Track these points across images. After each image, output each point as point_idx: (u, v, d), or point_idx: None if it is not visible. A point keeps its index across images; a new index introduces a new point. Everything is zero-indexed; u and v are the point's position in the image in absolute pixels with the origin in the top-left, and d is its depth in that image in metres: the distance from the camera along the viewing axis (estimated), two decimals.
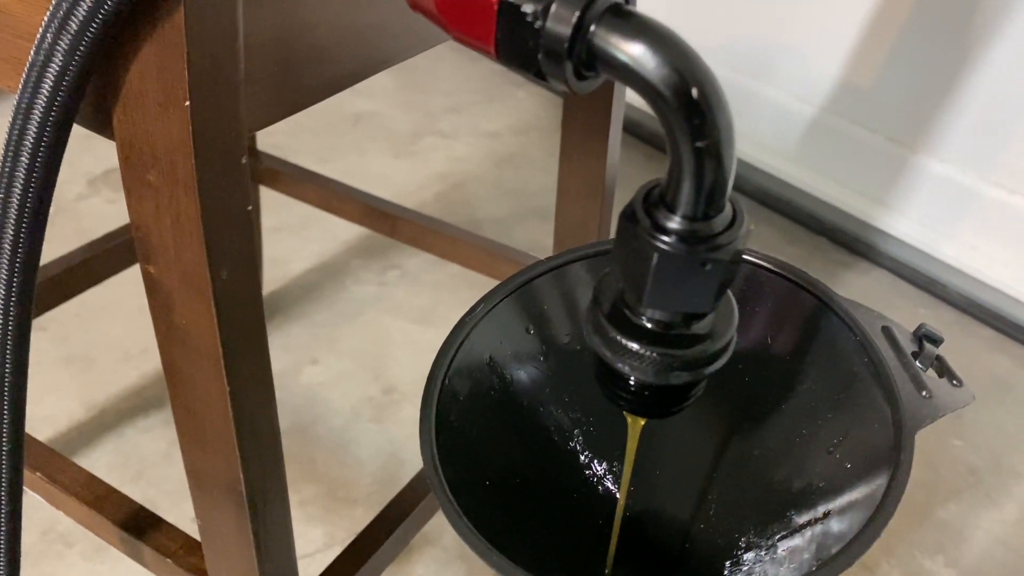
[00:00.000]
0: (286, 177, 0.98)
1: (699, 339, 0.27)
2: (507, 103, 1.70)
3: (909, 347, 0.32)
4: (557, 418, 0.35)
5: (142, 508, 0.63)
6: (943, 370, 0.32)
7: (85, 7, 0.34)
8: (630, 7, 0.25)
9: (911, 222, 1.37)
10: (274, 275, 1.25)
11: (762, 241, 1.43)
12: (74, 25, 0.34)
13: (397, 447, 1.04)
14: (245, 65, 0.39)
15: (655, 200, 0.26)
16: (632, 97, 1.53)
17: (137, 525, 0.62)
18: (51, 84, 0.36)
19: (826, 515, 0.28)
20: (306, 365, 1.13)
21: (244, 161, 0.41)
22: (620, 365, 0.27)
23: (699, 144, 0.24)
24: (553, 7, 0.24)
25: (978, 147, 1.28)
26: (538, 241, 1.34)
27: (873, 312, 0.32)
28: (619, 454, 0.35)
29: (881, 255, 1.39)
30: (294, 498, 0.98)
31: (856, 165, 1.41)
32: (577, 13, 0.24)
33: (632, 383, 0.28)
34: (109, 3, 0.33)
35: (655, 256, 0.25)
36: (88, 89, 0.37)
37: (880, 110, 1.37)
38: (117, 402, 1.06)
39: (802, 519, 0.29)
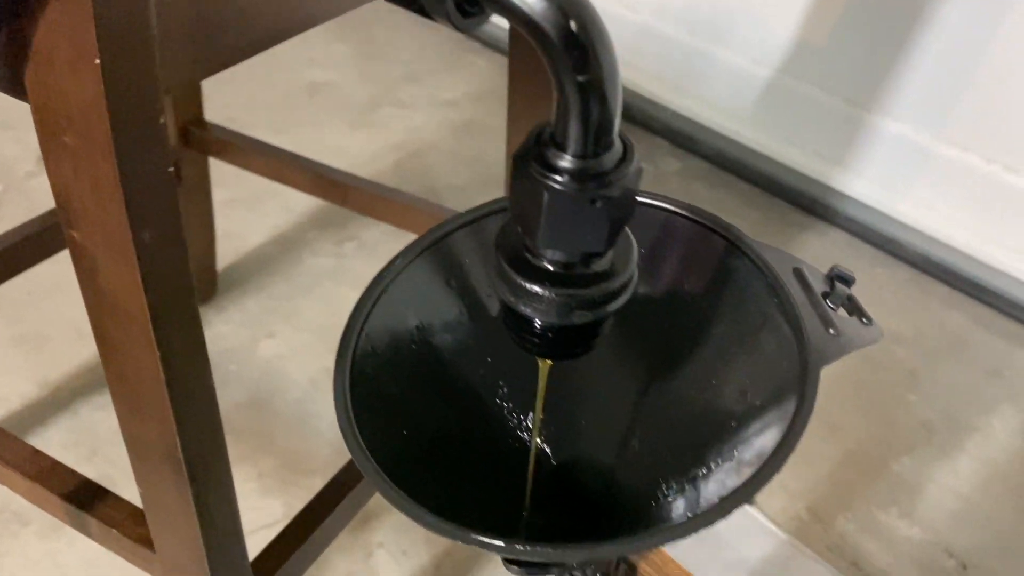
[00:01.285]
0: (234, 148, 0.97)
1: (599, 278, 0.27)
2: (465, 72, 1.69)
3: (820, 288, 0.32)
4: (481, 370, 0.35)
5: (88, 481, 0.62)
6: (853, 309, 0.32)
7: None
8: None
9: (867, 182, 1.38)
10: (229, 249, 1.23)
11: (720, 205, 1.44)
12: None
13: None
14: (160, 21, 0.38)
15: (546, 140, 0.26)
16: None
17: (83, 497, 0.61)
18: None
19: (738, 452, 0.28)
20: (263, 339, 1.12)
21: (162, 121, 0.40)
22: (523, 308, 0.27)
23: (580, 79, 0.24)
24: None
25: (931, 106, 1.29)
26: None
27: (784, 254, 0.32)
28: (545, 406, 0.35)
29: (838, 216, 1.40)
30: (252, 471, 0.98)
31: (812, 127, 1.42)
32: None
33: (537, 326, 0.28)
34: None
35: (545, 195, 0.25)
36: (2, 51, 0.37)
37: (836, 71, 1.37)
38: (70, 380, 1.05)
39: (718, 457, 0.29)
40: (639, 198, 0.35)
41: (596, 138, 0.25)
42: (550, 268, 0.27)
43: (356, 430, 0.29)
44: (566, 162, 0.25)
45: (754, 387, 0.30)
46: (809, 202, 1.42)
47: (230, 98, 1.52)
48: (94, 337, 0.47)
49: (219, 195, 1.22)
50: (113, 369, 0.47)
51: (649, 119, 1.57)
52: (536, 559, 0.25)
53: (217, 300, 1.17)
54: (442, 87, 1.64)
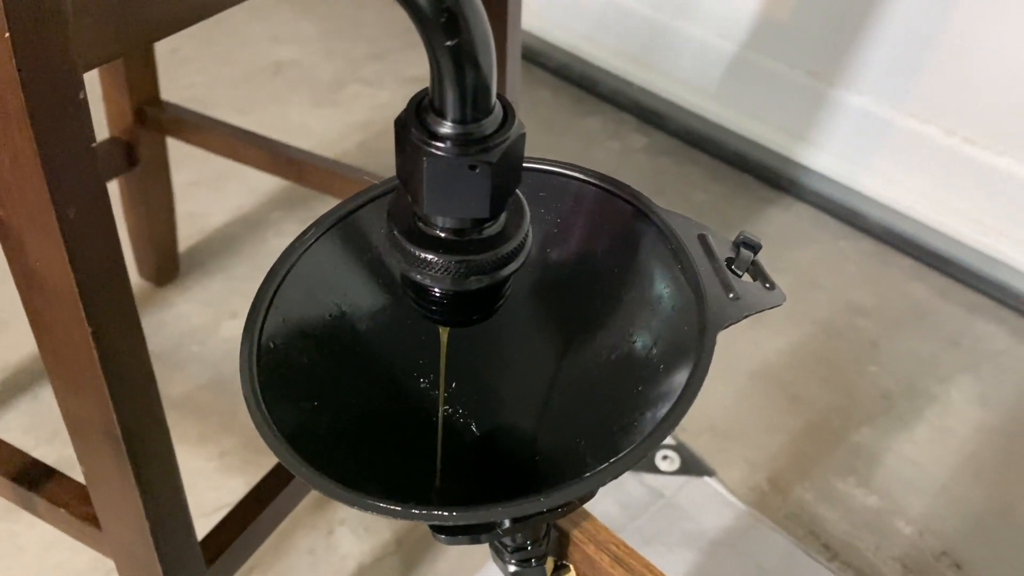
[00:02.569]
0: (192, 127, 0.97)
1: (491, 243, 0.27)
2: None
3: (724, 254, 0.32)
4: (399, 343, 0.35)
5: (36, 461, 0.62)
6: (757, 274, 0.32)
7: None
8: None
9: (831, 156, 1.39)
10: (191, 230, 1.23)
11: (687, 180, 1.44)
12: None
13: None
14: None
15: (425, 106, 0.26)
16: (558, 37, 1.52)
17: (29, 477, 0.61)
18: None
19: (646, 412, 0.29)
20: (225, 319, 1.12)
21: (82, 96, 0.40)
22: (418, 276, 0.28)
23: (450, 44, 0.24)
24: None
25: (892, 79, 1.29)
26: None
27: (691, 221, 0.33)
28: (462, 378, 0.35)
29: (803, 190, 1.40)
30: (214, 450, 0.98)
31: (777, 101, 1.42)
32: None
33: (436, 293, 0.28)
34: None
35: (425, 161, 0.25)
36: None
37: (798, 45, 1.38)
38: (30, 363, 1.05)
39: (630, 419, 0.30)
40: (552, 168, 0.35)
41: (473, 103, 0.25)
42: (442, 235, 0.27)
43: (259, 397, 0.30)
44: (445, 128, 0.25)
45: (659, 349, 0.31)
46: (774, 176, 1.43)
47: (193, 77, 1.51)
48: (26, 316, 0.47)
49: (182, 176, 1.22)
50: (46, 346, 0.47)
51: (615, 94, 1.57)
52: (433, 523, 0.26)
53: (180, 281, 1.17)
54: (408, 64, 1.63)
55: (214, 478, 0.95)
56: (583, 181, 0.34)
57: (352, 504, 0.27)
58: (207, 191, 1.29)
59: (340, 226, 0.35)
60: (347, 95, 1.55)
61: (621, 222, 0.33)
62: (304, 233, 0.34)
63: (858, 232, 1.36)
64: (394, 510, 0.27)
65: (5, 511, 0.90)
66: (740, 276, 0.32)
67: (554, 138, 1.51)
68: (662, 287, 0.31)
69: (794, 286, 1.26)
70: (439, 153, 0.25)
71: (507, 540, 0.41)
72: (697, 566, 0.91)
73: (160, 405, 0.51)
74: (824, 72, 1.36)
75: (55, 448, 0.96)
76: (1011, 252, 1.24)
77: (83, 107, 0.40)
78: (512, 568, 0.43)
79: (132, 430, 0.49)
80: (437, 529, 0.36)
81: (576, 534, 0.45)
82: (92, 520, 0.58)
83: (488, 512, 0.26)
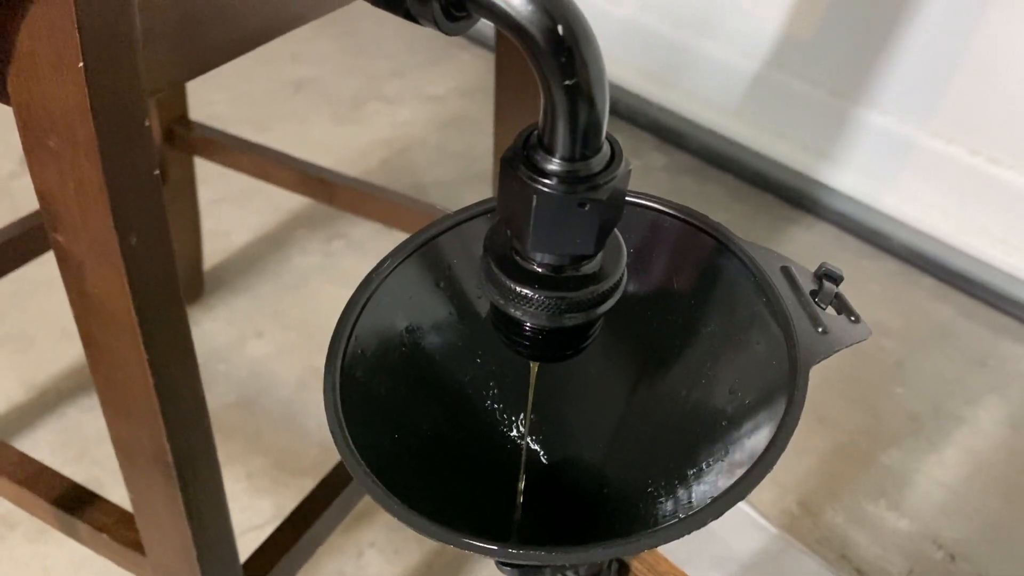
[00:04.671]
0: (219, 147, 0.97)
1: (588, 280, 0.27)
2: (451, 66, 1.69)
3: (808, 286, 0.32)
4: (471, 371, 0.35)
5: (76, 485, 0.62)
6: (842, 307, 0.32)
7: None
8: None
9: (853, 175, 1.38)
10: (216, 248, 1.23)
11: (710, 199, 1.44)
12: None
13: None
14: (143, 23, 0.38)
15: (534, 143, 0.26)
16: None
17: (71, 502, 0.61)
18: None
19: (728, 452, 0.28)
20: (251, 338, 1.12)
21: (147, 124, 0.40)
22: (513, 310, 0.27)
23: (568, 83, 0.24)
24: None
25: (915, 98, 1.29)
26: None
27: (772, 252, 0.32)
28: (536, 408, 0.35)
29: (825, 209, 1.40)
30: (241, 470, 0.97)
31: (799, 119, 1.42)
32: None
33: (528, 328, 0.28)
34: None
35: (534, 198, 0.25)
36: None
37: (821, 63, 1.38)
38: (57, 381, 1.04)
39: (709, 457, 0.29)
40: (629, 198, 0.35)
41: (584, 141, 0.25)
42: (540, 271, 0.27)
43: (347, 434, 0.29)
44: (554, 165, 0.25)
45: (744, 386, 0.30)
46: (796, 196, 1.43)
47: (215, 95, 1.52)
48: (81, 340, 0.47)
49: (205, 194, 1.22)
50: (101, 373, 0.47)
51: (635, 114, 1.57)
52: (528, 563, 0.25)
53: (204, 299, 1.16)
54: (428, 82, 1.64)
55: (242, 499, 0.94)
56: (662, 212, 0.34)
57: (451, 543, 0.27)
58: (231, 208, 1.29)
59: (414, 256, 0.34)
60: (367, 112, 1.55)
61: (700, 253, 0.33)
62: (380, 264, 0.34)
63: (881, 252, 1.35)
64: (491, 549, 0.26)
65: (35, 533, 0.89)
66: (824, 309, 0.31)
67: None
68: (746, 321, 0.31)
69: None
70: (547, 190, 0.25)
71: (570, 573, 0.41)
72: None
73: (211, 433, 0.51)
74: (847, 91, 1.36)
75: (83, 467, 0.95)
76: None
77: (148, 134, 0.40)
78: None
79: (183, 456, 0.49)
80: (506, 563, 0.35)
81: (636, 564, 0.45)
82: (135, 545, 0.58)
83: (593, 553, 0.26)
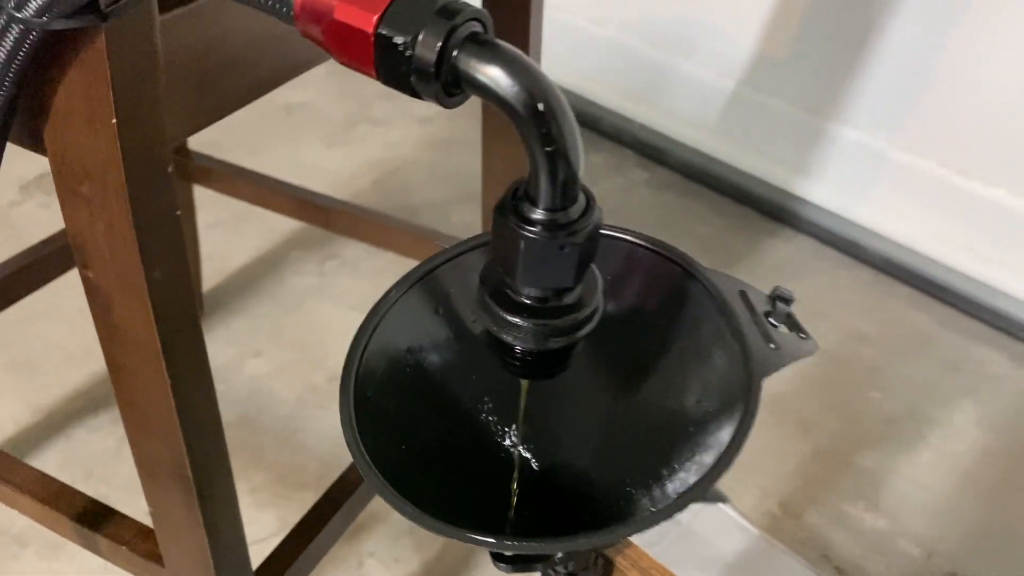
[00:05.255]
0: (218, 175, 1.01)
1: (569, 309, 0.32)
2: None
3: (763, 307, 0.36)
4: (469, 388, 0.39)
5: (95, 501, 0.66)
6: (792, 325, 0.36)
7: (7, 47, 0.36)
8: (487, 36, 0.29)
9: (829, 189, 1.43)
10: (213, 271, 1.27)
11: (689, 213, 1.48)
12: (2, 54, 0.37)
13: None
14: (166, 79, 0.42)
15: (521, 195, 0.30)
16: (559, 76, 1.56)
17: (91, 518, 0.64)
18: None
19: (694, 455, 0.33)
20: (249, 358, 1.16)
21: (170, 169, 0.44)
22: (505, 336, 0.32)
23: (548, 149, 0.28)
24: (420, 36, 0.28)
25: (886, 113, 1.34)
26: (474, 224, 1.37)
27: (731, 278, 0.37)
28: (527, 419, 0.39)
29: (803, 222, 1.45)
30: (244, 486, 1.01)
31: (775, 135, 1.47)
32: (440, 42, 0.28)
33: (518, 351, 0.32)
34: (30, 40, 0.36)
35: (522, 243, 0.30)
36: (19, 109, 0.40)
37: (795, 81, 1.43)
38: (63, 404, 1.08)
39: (679, 458, 0.34)
40: (608, 232, 0.39)
41: (563, 194, 0.29)
42: (527, 302, 0.31)
43: (361, 446, 0.33)
44: (538, 215, 0.30)
45: (708, 396, 0.35)
46: (775, 209, 1.47)
47: None
48: (107, 366, 0.51)
49: (203, 219, 1.25)
50: (124, 395, 0.51)
51: (617, 131, 1.62)
52: (519, 552, 0.29)
53: (203, 321, 1.20)
54: (417, 104, 1.67)
55: (246, 513, 0.97)
56: (636, 244, 0.38)
57: (456, 538, 0.31)
58: (227, 232, 1.33)
59: (416, 286, 0.39)
60: (358, 135, 1.60)
61: (670, 281, 0.37)
62: (386, 294, 0.38)
63: (858, 262, 1.40)
64: (488, 541, 0.30)
65: (47, 551, 0.93)
66: (777, 327, 0.36)
67: None
68: (709, 340, 0.35)
69: (797, 316, 1.30)
70: (533, 236, 0.29)
71: (559, 568, 0.45)
72: None
73: (226, 448, 0.55)
74: (820, 107, 1.41)
75: (91, 485, 0.99)
76: (1007, 280, 1.29)
77: (170, 179, 0.44)
78: None
79: (201, 471, 0.52)
80: (498, 557, 0.40)
81: (620, 560, 0.49)
82: (154, 557, 0.61)
83: (572, 543, 0.30)
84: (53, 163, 0.43)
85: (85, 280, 0.47)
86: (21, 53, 0.37)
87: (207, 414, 0.52)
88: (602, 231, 0.38)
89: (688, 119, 1.56)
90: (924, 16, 1.26)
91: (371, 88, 1.71)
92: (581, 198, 0.30)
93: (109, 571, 0.92)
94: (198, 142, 1.11)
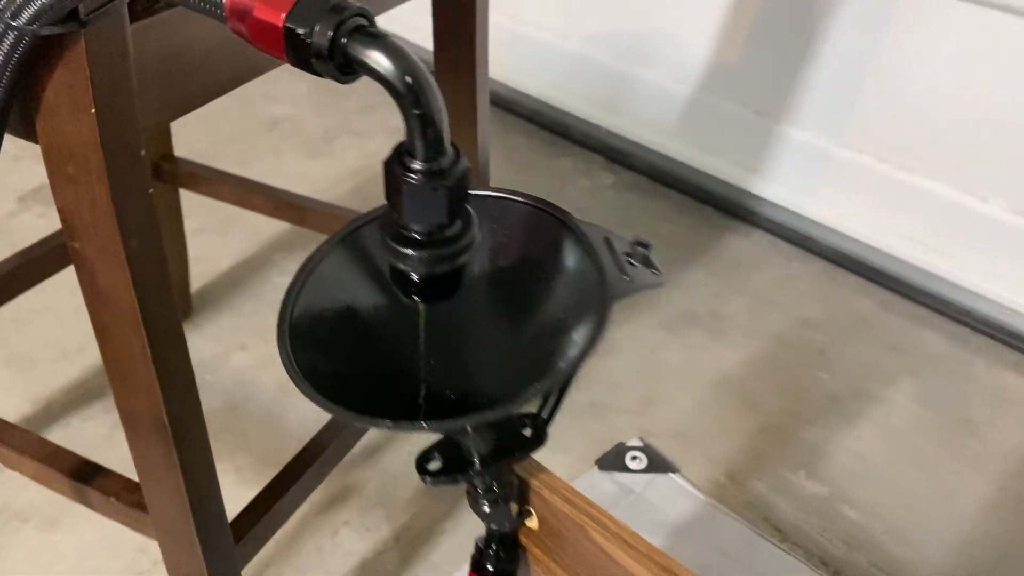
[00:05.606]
0: (202, 179, 1.09)
1: (450, 241, 0.40)
2: None
3: (623, 249, 0.45)
4: (385, 320, 0.47)
5: (87, 461, 0.74)
6: (647, 263, 0.45)
7: (4, 50, 0.45)
8: (372, 28, 0.37)
9: (781, 186, 1.52)
10: (201, 272, 1.35)
11: (653, 213, 1.57)
12: (0, 56, 0.45)
13: (322, 415, 1.15)
14: (137, 77, 0.50)
15: (404, 151, 0.39)
16: (530, 87, 1.66)
17: (83, 475, 0.72)
18: None
19: (565, 354, 0.41)
20: (235, 351, 1.24)
21: (143, 153, 0.52)
22: (401, 265, 0.40)
23: (417, 112, 0.37)
24: (316, 28, 0.37)
25: (829, 114, 1.43)
26: None
27: (599, 228, 0.45)
28: (435, 338, 0.47)
29: (758, 217, 1.54)
30: (230, 466, 1.09)
31: (730, 137, 1.56)
32: (331, 32, 0.36)
33: (414, 277, 0.41)
34: (23, 44, 0.44)
35: (405, 187, 0.38)
36: (15, 104, 0.48)
37: (746, 86, 1.52)
38: (60, 395, 1.16)
39: (552, 360, 0.42)
40: (502, 195, 0.48)
41: (433, 148, 0.38)
42: (416, 237, 0.40)
43: (295, 365, 0.41)
44: (416, 165, 0.38)
45: (574, 314, 0.43)
46: (732, 206, 1.56)
47: (195, 134, 1.64)
48: (93, 329, 0.59)
49: (190, 225, 1.34)
50: (109, 354, 0.59)
51: (584, 137, 1.71)
52: (398, 430, 0.38)
53: (192, 319, 1.28)
54: (394, 116, 1.75)
55: (230, 489, 1.05)
56: (522, 203, 0.47)
57: (364, 423, 0.39)
58: (213, 237, 1.42)
59: (344, 242, 0.47)
60: (339, 145, 1.68)
61: (550, 230, 0.46)
62: (316, 250, 0.47)
63: (810, 254, 1.49)
64: (385, 423, 0.39)
65: (45, 525, 1.01)
66: (635, 266, 0.44)
67: (529, 178, 1.64)
68: (577, 273, 0.44)
69: (752, 304, 1.38)
70: (413, 181, 0.38)
71: (478, 482, 0.53)
72: (665, 551, 1.02)
73: (198, 400, 0.63)
74: (770, 110, 1.50)
75: None
76: (945, 267, 1.37)
77: (143, 161, 0.52)
78: (486, 508, 0.55)
79: (177, 420, 0.61)
80: (421, 471, 0.48)
81: (534, 482, 0.57)
82: (139, 506, 0.69)
83: (453, 423, 0.38)
84: (44, 148, 0.51)
85: (72, 251, 0.55)
86: (16, 55, 0.45)
87: (181, 368, 0.60)
88: (497, 194, 0.47)
89: (651, 124, 1.65)
90: (860, 24, 1.36)
91: (349, 103, 1.81)
92: (451, 151, 0.39)
93: (104, 541, 1.00)
94: (187, 153, 1.19)
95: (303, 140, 1.69)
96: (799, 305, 1.38)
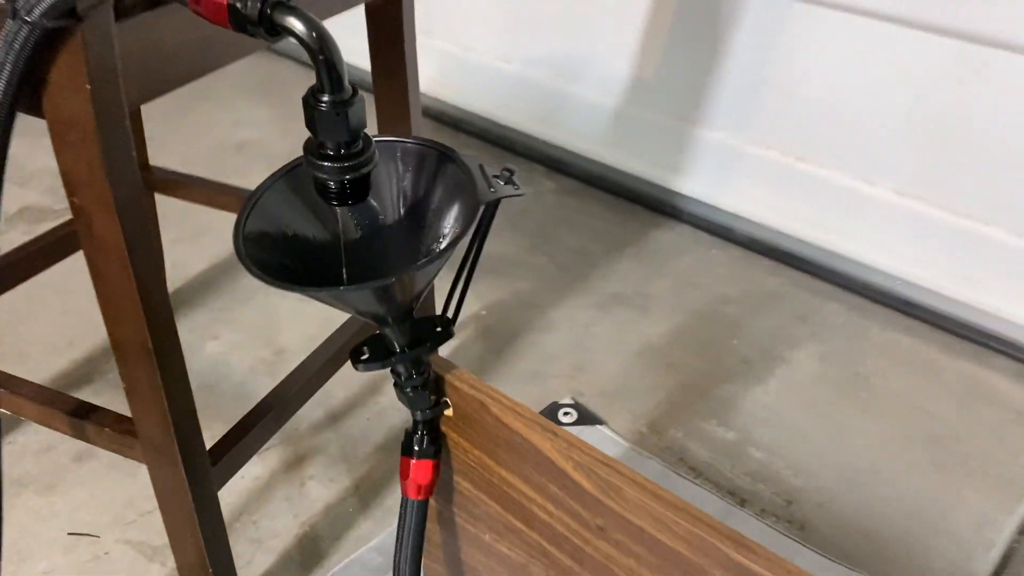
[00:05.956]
0: (176, 184, 1.24)
1: (355, 155, 0.55)
2: (372, 120, 1.98)
3: (493, 172, 0.60)
4: (316, 228, 0.63)
5: (82, 401, 0.87)
6: (511, 183, 0.60)
7: (20, 40, 0.60)
8: (288, 2, 0.53)
9: (700, 183, 1.69)
10: (176, 277, 1.49)
11: (588, 213, 1.73)
12: (15, 50, 0.60)
13: None
14: (122, 65, 0.66)
15: (315, 89, 0.54)
16: (477, 107, 1.84)
17: (79, 412, 0.86)
18: (3, 83, 0.62)
19: (443, 247, 0.56)
20: (208, 341, 1.38)
21: (127, 123, 0.67)
22: (320, 176, 0.55)
23: (322, 58, 0.52)
24: (249, 3, 0.52)
25: (736, 115, 1.61)
26: None
27: (475, 157, 0.61)
28: (355, 243, 0.63)
29: (682, 212, 1.70)
30: (207, 434, 1.22)
31: (653, 142, 1.73)
32: (259, 5, 0.52)
33: (331, 185, 0.56)
34: (35, 35, 0.59)
35: (316, 114, 0.53)
36: (27, 86, 0.63)
37: (663, 95, 1.69)
38: (50, 385, 1.29)
39: (435, 249, 0.57)
40: (405, 140, 0.64)
41: (336, 83, 0.53)
42: (330, 152, 0.55)
43: (247, 259, 0.57)
44: (324, 97, 0.53)
45: (455, 219, 0.59)
46: (658, 204, 1.73)
47: (167, 158, 1.79)
48: (89, 272, 0.73)
49: (166, 235, 1.48)
50: (103, 292, 0.74)
51: (527, 149, 1.87)
52: (319, 296, 0.53)
53: None
54: None
55: None
56: (419, 144, 0.63)
57: (294, 290, 0.54)
58: (187, 246, 1.56)
59: (284, 178, 0.63)
60: None
61: (440, 163, 0.62)
62: (263, 182, 0.62)
63: (727, 242, 1.65)
64: (318, 290, 0.54)
65: (43, 488, 1.13)
66: (502, 183, 0.60)
67: None
68: (457, 189, 0.60)
69: (674, 286, 1.54)
70: (323, 108, 0.53)
71: (401, 369, 0.68)
72: None
73: (175, 329, 0.77)
74: (685, 115, 1.67)
75: (76, 444, 1.19)
76: (845, 246, 1.54)
77: (128, 129, 0.67)
78: (409, 393, 0.70)
79: (160, 344, 0.75)
80: (354, 360, 0.63)
81: (448, 376, 0.72)
82: (130, 433, 0.83)
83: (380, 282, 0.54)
84: (49, 120, 0.66)
85: (73, 205, 0.70)
86: (29, 44, 0.60)
87: (161, 301, 0.74)
88: (403, 140, 0.63)
89: (584, 135, 1.82)
90: (759, 36, 1.53)
91: None
92: (349, 88, 0.54)
93: (95, 499, 1.13)
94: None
95: (268, 161, 1.84)
96: (717, 285, 1.55)
